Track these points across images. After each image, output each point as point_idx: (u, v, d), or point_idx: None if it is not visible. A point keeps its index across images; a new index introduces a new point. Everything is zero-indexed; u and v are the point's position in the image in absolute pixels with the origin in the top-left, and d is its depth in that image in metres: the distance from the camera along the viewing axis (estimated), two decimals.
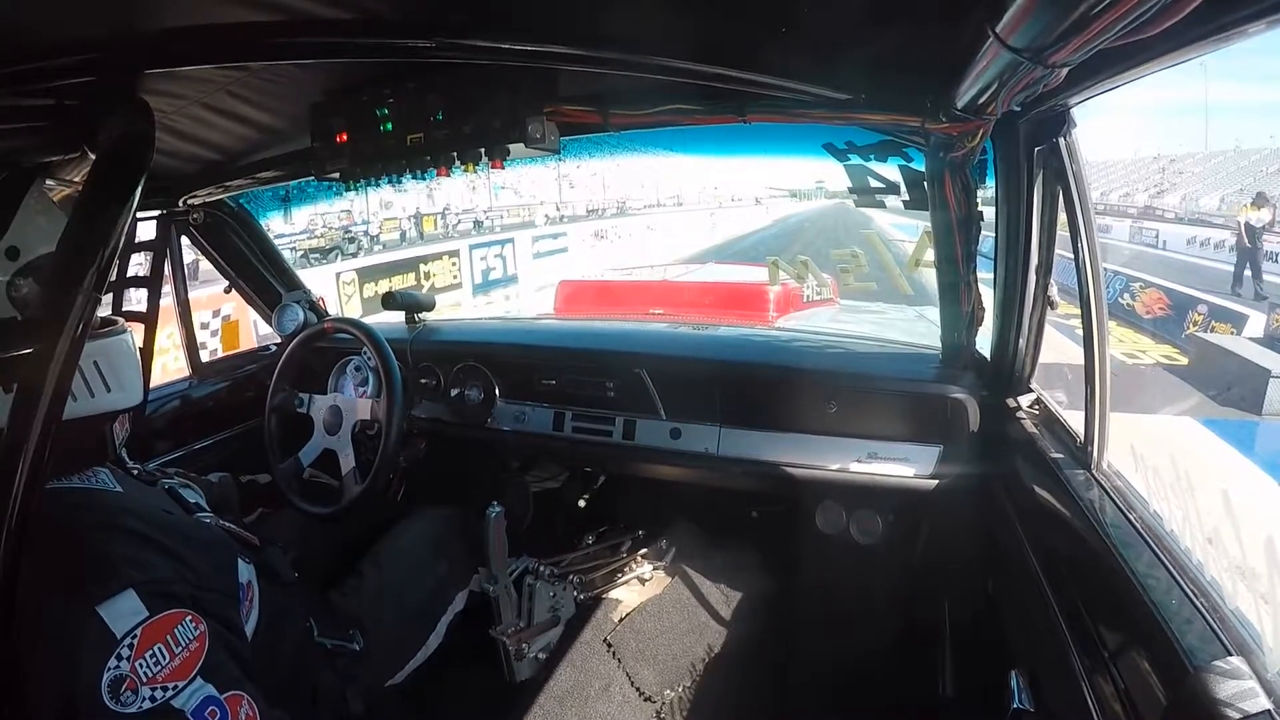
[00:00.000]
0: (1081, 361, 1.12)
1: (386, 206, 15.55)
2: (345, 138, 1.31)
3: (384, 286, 10.16)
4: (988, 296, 1.42)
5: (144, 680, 0.77)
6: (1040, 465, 1.19)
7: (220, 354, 2.55)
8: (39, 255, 0.94)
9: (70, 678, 0.77)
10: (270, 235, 2.12)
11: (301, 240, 12.46)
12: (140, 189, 0.78)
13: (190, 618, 0.83)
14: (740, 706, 1.64)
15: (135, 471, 1.11)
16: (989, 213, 1.31)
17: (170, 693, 0.79)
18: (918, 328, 2.94)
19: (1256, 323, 9.35)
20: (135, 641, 0.78)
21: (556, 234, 15.91)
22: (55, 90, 0.90)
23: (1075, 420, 1.20)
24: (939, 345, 1.58)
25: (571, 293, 4.71)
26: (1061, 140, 1.10)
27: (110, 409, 0.99)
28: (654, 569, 1.89)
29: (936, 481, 1.46)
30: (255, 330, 6.08)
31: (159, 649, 0.79)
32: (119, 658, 0.77)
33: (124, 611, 0.79)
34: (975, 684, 1.51)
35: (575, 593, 1.73)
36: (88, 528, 0.87)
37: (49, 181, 1.01)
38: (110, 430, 1.03)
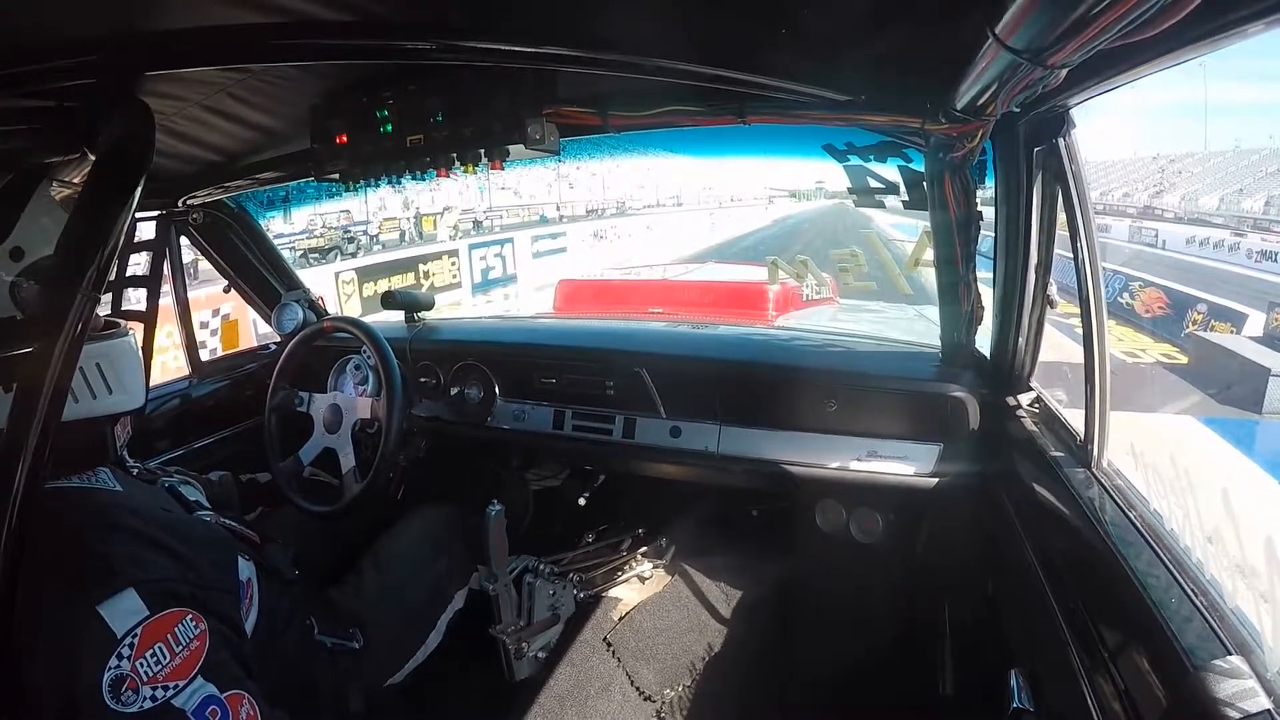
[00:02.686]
0: (1081, 360, 1.12)
1: (408, 205, 15.61)
2: (345, 139, 1.31)
3: (383, 286, 10.16)
4: (987, 296, 1.42)
5: (144, 680, 0.77)
6: (1040, 463, 1.19)
7: (220, 353, 2.55)
8: (43, 256, 0.94)
9: (71, 677, 0.77)
10: (270, 235, 2.13)
11: (301, 240, 12.45)
12: (140, 190, 0.78)
13: (191, 616, 0.83)
14: (740, 705, 1.64)
15: (135, 470, 1.11)
16: (988, 213, 1.31)
17: (171, 692, 0.78)
18: (917, 326, 2.94)
19: (1256, 321, 9.38)
20: (136, 641, 0.78)
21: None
22: (55, 92, 0.90)
23: (1075, 418, 1.20)
24: (939, 344, 1.58)
25: (571, 292, 4.71)
26: (1061, 141, 1.10)
27: (112, 411, 0.99)
28: (654, 567, 1.90)
29: (936, 480, 1.46)
30: (255, 329, 6.08)
31: (159, 648, 0.79)
32: (119, 657, 0.77)
33: (124, 610, 0.79)
34: (975, 683, 1.51)
35: (575, 591, 1.73)
36: (88, 527, 0.86)
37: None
38: (111, 432, 1.02)
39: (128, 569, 0.83)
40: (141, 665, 0.77)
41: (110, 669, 0.76)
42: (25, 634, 0.76)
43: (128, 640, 0.78)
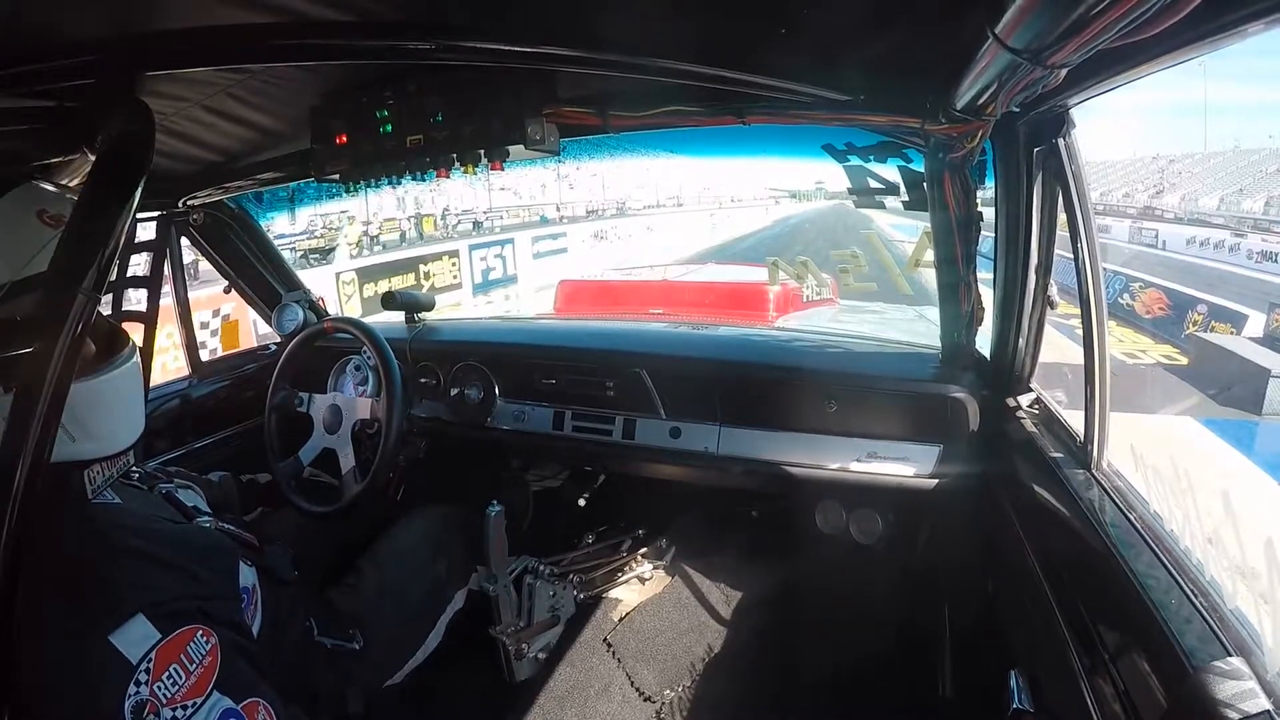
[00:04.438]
0: (1081, 361, 1.12)
1: (420, 205, 15.69)
2: (345, 139, 1.31)
3: (384, 286, 10.15)
4: (987, 296, 1.42)
5: (164, 701, 0.78)
6: (1040, 465, 1.19)
7: (220, 353, 2.55)
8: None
9: (92, 709, 0.77)
10: (270, 235, 2.13)
11: (301, 240, 12.44)
12: (140, 190, 0.78)
13: (201, 632, 0.84)
14: (740, 706, 1.64)
15: (136, 474, 1.10)
16: (988, 213, 1.31)
17: (190, 710, 0.79)
18: (917, 327, 2.95)
19: (1256, 322, 9.39)
20: (151, 666, 0.78)
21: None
22: (56, 92, 0.90)
23: (1075, 420, 1.20)
24: (939, 345, 1.58)
25: (571, 292, 4.71)
26: (1061, 141, 1.10)
27: (73, 459, 0.90)
28: (654, 568, 1.90)
29: (936, 481, 1.46)
30: (255, 330, 6.08)
31: (175, 669, 0.80)
32: (137, 683, 0.77)
33: (136, 638, 0.79)
34: (975, 684, 1.51)
35: (575, 592, 1.73)
36: (90, 552, 0.86)
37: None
38: (82, 475, 0.92)
39: (135, 594, 0.82)
40: (160, 688, 0.78)
41: (130, 696, 0.77)
42: (37, 663, 0.76)
43: (144, 666, 0.78)
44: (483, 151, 1.24)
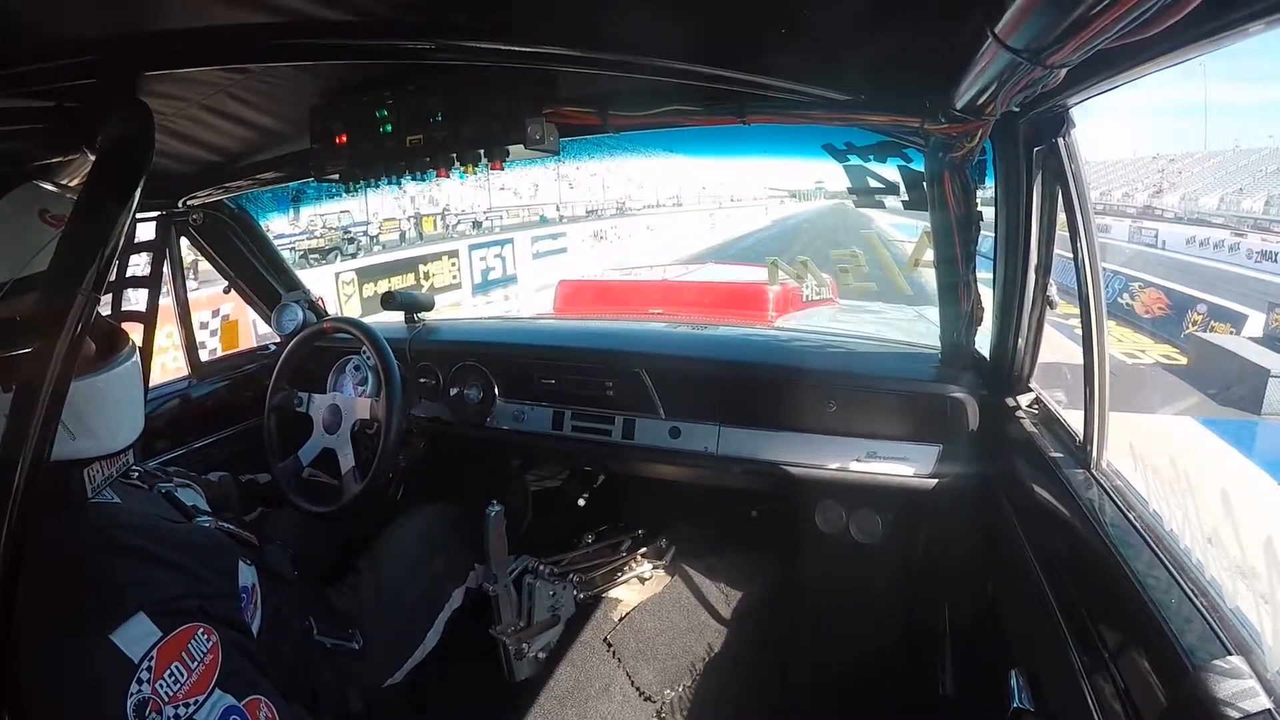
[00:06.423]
0: (1080, 361, 1.12)
1: (433, 202, 15.70)
2: (345, 139, 1.31)
3: (383, 286, 10.14)
4: (987, 296, 1.42)
5: (166, 699, 0.78)
6: (1040, 464, 1.19)
7: (220, 354, 2.55)
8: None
9: (94, 708, 0.77)
10: (270, 235, 2.13)
11: (301, 241, 12.45)
12: (140, 190, 0.78)
13: (202, 630, 0.84)
14: (740, 705, 1.64)
15: (136, 473, 1.10)
16: (988, 213, 1.31)
17: (192, 708, 0.79)
18: (917, 327, 2.95)
19: (1256, 322, 9.39)
20: (153, 664, 0.78)
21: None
22: (56, 91, 0.90)
23: (1075, 419, 1.20)
24: (938, 345, 1.58)
25: (571, 292, 4.71)
26: (1060, 140, 1.10)
27: (73, 457, 0.90)
28: (654, 568, 1.90)
29: (936, 481, 1.46)
30: (254, 330, 6.08)
31: (176, 667, 0.80)
32: (139, 681, 0.77)
33: (137, 636, 0.79)
34: (975, 683, 1.51)
35: (575, 592, 1.73)
36: (91, 551, 0.86)
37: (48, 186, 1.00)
38: (81, 474, 0.92)
39: (136, 592, 0.82)
40: (161, 686, 0.78)
41: (132, 694, 0.77)
42: (35, 665, 0.75)
43: (145, 664, 0.78)
44: (483, 151, 1.24)
